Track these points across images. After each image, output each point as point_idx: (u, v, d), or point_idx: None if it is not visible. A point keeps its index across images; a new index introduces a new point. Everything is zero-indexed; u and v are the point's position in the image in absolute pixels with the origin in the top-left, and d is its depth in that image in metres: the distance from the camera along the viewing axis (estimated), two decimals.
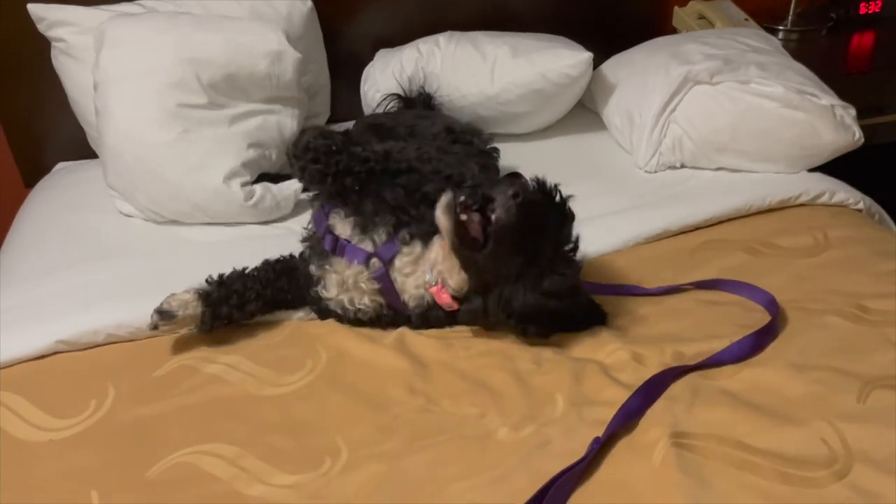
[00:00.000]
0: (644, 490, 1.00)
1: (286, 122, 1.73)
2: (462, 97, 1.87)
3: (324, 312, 1.35)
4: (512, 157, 1.88)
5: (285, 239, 1.57)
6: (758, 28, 2.15)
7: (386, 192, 1.31)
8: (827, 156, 1.71)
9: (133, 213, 1.68)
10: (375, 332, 1.32)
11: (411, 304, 1.29)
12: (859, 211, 1.65)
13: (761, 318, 1.31)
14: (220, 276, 1.32)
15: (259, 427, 1.14)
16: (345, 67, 2.02)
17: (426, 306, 1.29)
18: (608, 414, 1.10)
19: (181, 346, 1.31)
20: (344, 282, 1.30)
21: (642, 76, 1.83)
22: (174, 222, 1.67)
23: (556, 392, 1.17)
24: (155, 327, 1.25)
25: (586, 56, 1.81)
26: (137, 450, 1.11)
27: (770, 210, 1.62)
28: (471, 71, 1.86)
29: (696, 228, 1.58)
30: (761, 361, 1.21)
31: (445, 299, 1.25)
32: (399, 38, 2.03)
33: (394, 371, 1.24)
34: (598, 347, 1.26)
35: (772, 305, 1.32)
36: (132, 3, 1.82)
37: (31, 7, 1.75)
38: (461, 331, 1.32)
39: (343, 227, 1.32)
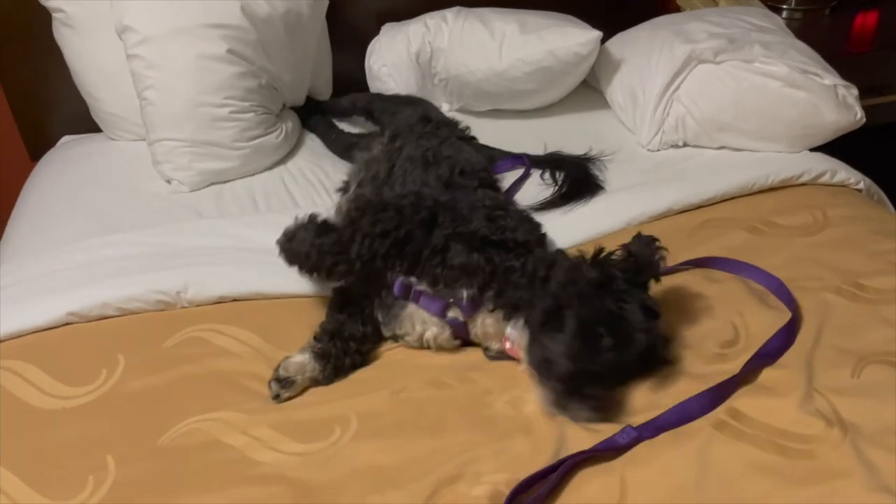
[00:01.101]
0: (641, 457, 1.03)
1: None
2: (469, 73, 1.88)
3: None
4: (515, 134, 1.89)
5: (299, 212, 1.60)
6: (762, 7, 2.14)
7: (449, 255, 1.20)
8: (829, 135, 1.72)
9: (177, 175, 1.71)
10: None
11: (484, 344, 1.25)
12: (859, 191, 1.67)
13: (762, 294, 1.33)
14: (324, 327, 1.25)
15: (268, 398, 1.17)
16: (348, 41, 2.02)
17: (502, 358, 1.23)
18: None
19: (190, 318, 1.33)
20: (422, 341, 1.25)
21: (646, 55, 1.83)
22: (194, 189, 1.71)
23: None
24: (276, 396, 1.17)
25: (595, 35, 1.82)
26: (149, 417, 1.14)
27: (771, 189, 1.63)
28: (479, 47, 1.86)
29: (699, 207, 1.59)
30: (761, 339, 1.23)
31: (517, 356, 1.19)
32: (405, 11, 2.02)
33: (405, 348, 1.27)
34: None
35: (781, 290, 1.32)
36: None
37: None
38: None
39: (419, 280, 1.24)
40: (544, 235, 1.36)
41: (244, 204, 1.68)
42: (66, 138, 2.00)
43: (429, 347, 1.25)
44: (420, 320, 1.24)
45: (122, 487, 1.04)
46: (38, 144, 1.99)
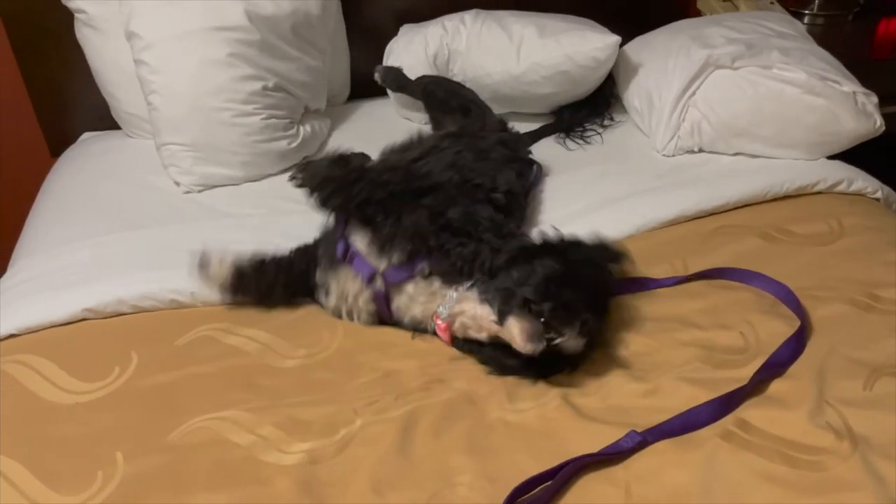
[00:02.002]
0: (647, 468, 1.03)
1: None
2: (486, 75, 1.88)
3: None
4: None
5: (312, 214, 1.61)
6: (783, 12, 2.13)
7: (405, 216, 1.27)
8: (847, 143, 1.71)
9: (182, 178, 1.72)
10: None
11: (405, 321, 1.30)
12: (877, 200, 1.65)
13: (771, 302, 1.32)
14: (261, 258, 1.35)
15: (276, 397, 1.18)
16: (366, 43, 2.02)
17: (419, 329, 1.29)
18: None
19: (202, 318, 1.34)
20: (344, 294, 1.31)
21: (663, 59, 1.82)
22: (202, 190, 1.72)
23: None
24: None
25: (614, 39, 1.81)
26: (159, 414, 1.16)
27: (787, 196, 1.62)
28: (497, 50, 1.86)
29: (712, 213, 1.58)
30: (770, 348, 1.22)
31: (446, 337, 1.24)
32: (422, 12, 2.02)
33: (411, 352, 1.27)
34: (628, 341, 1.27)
35: (791, 298, 1.31)
36: None
37: None
38: None
39: (360, 238, 1.31)
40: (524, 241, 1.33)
41: (258, 203, 1.69)
42: (86, 135, 2.03)
43: (343, 314, 1.32)
44: (349, 278, 1.30)
45: (130, 483, 1.05)
46: (58, 141, 2.01)
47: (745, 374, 1.16)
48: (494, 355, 1.19)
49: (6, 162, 2.11)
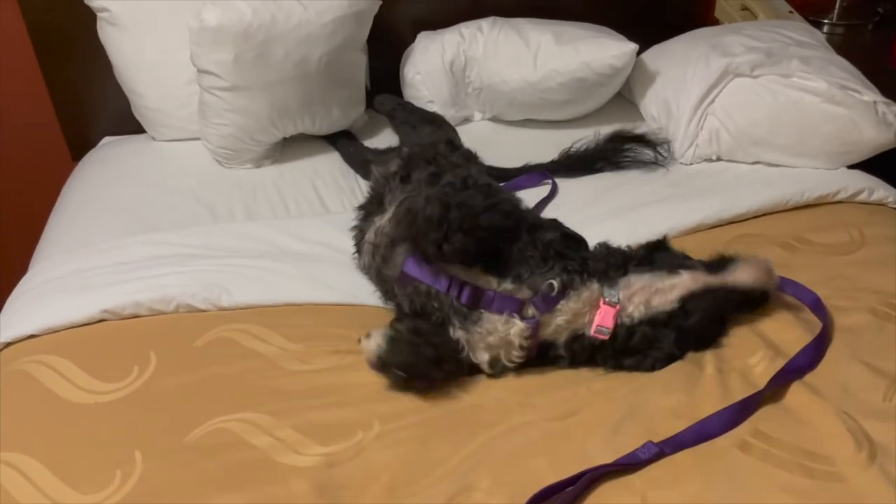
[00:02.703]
0: (663, 477, 1.02)
1: None
2: (503, 82, 1.88)
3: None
4: (548, 145, 1.89)
5: (331, 216, 1.63)
6: (802, 21, 2.12)
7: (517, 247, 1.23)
8: (867, 152, 1.70)
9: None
10: None
11: (560, 341, 1.22)
12: None
13: (790, 308, 1.31)
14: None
15: (294, 399, 1.18)
16: (384, 49, 2.02)
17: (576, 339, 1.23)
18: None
19: (221, 319, 1.35)
20: (494, 344, 1.20)
21: (682, 67, 1.82)
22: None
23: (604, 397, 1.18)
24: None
25: (631, 47, 1.81)
26: (177, 415, 1.16)
27: (807, 206, 1.61)
28: (513, 57, 1.87)
29: (731, 222, 1.58)
30: (787, 354, 1.21)
31: (610, 323, 1.20)
32: (440, 20, 2.03)
33: None
34: None
35: (817, 306, 1.30)
36: None
37: None
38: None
39: (475, 276, 1.22)
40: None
41: (276, 206, 1.71)
42: (106, 139, 2.05)
43: (503, 360, 1.21)
44: (501, 321, 1.19)
45: (148, 482, 1.05)
46: (79, 144, 2.04)
47: (761, 380, 1.16)
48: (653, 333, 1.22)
49: (29, 165, 2.14)
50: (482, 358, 1.21)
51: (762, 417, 1.10)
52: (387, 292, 1.36)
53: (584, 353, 1.22)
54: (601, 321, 1.21)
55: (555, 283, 1.20)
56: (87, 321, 1.34)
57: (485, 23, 1.95)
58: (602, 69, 1.83)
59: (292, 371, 1.24)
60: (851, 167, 1.71)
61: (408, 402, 1.17)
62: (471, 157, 1.64)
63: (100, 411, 1.17)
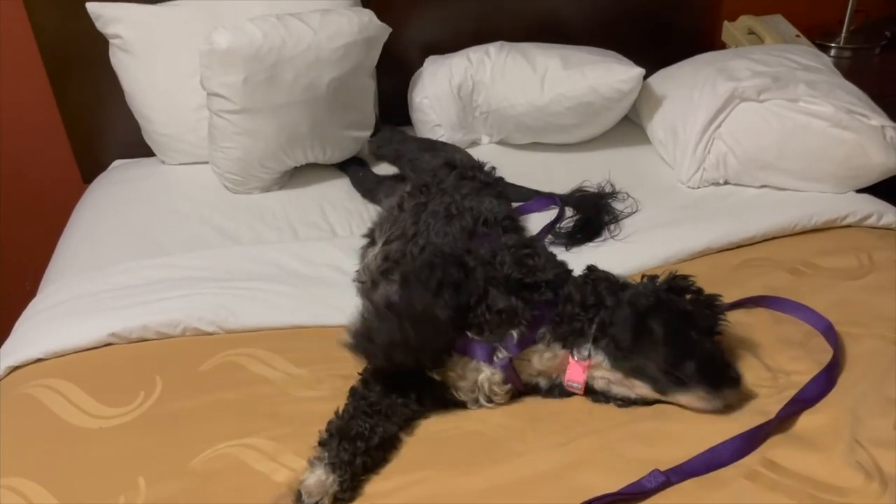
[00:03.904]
0: None
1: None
2: (510, 106, 1.89)
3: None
4: (555, 168, 1.90)
5: (335, 239, 1.64)
6: (809, 45, 2.12)
7: (489, 300, 1.19)
8: (875, 177, 1.69)
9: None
10: None
11: (541, 383, 1.23)
12: None
13: (793, 330, 1.30)
14: (329, 430, 1.12)
15: (298, 426, 1.17)
16: (392, 73, 2.05)
17: (554, 387, 1.23)
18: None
19: (227, 343, 1.35)
20: (474, 384, 1.20)
21: (688, 91, 1.83)
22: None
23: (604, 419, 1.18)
24: None
25: (638, 72, 1.82)
26: (182, 440, 1.16)
27: (815, 230, 1.60)
28: (521, 81, 1.88)
29: (739, 246, 1.57)
30: (797, 383, 1.20)
31: (581, 379, 1.19)
32: (448, 45, 2.05)
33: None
34: None
35: (829, 332, 1.29)
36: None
37: (89, 5, 1.82)
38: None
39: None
40: (571, 272, 1.33)
41: (283, 230, 1.71)
42: (117, 162, 2.07)
43: (481, 401, 1.21)
44: (471, 368, 1.20)
45: None
46: (90, 167, 2.06)
47: (771, 408, 1.14)
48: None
49: (40, 188, 2.16)
50: (463, 396, 1.21)
51: (771, 445, 1.09)
52: None
53: (568, 395, 1.22)
54: (571, 377, 1.20)
55: (514, 333, 1.19)
56: (95, 345, 1.35)
57: (492, 47, 1.97)
58: (609, 93, 1.84)
59: (297, 397, 1.24)
60: (860, 191, 1.70)
61: (406, 427, 1.16)
62: (466, 175, 1.63)
63: (104, 436, 1.17)
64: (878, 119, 1.66)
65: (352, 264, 1.54)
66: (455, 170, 1.64)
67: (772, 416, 1.12)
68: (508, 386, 1.21)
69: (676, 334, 1.16)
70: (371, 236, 1.54)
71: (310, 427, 1.16)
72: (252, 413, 1.20)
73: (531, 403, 1.21)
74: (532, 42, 2.01)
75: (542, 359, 1.21)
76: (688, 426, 1.13)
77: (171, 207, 1.78)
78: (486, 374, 1.19)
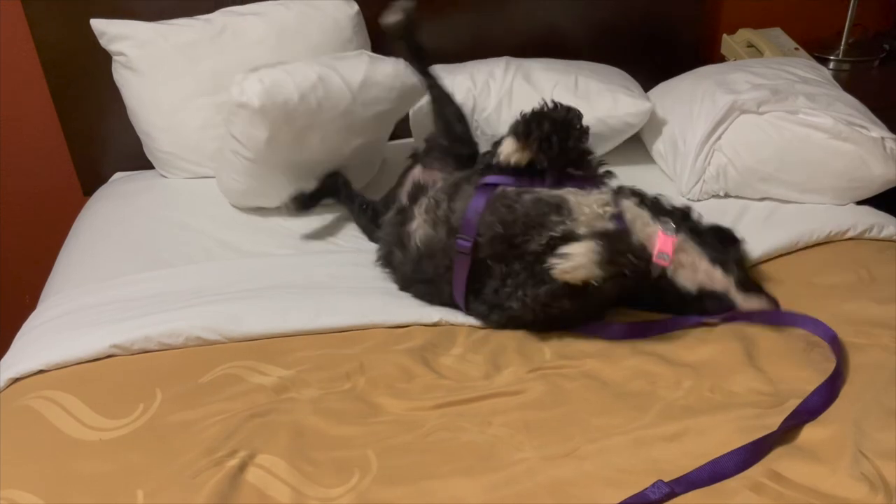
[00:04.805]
0: None
1: None
2: None
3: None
4: None
5: (345, 254, 1.64)
6: (808, 58, 2.13)
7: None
8: (876, 188, 1.69)
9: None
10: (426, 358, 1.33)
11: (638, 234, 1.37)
12: None
13: (795, 340, 1.30)
14: None
15: (296, 438, 1.17)
16: None
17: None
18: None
19: (228, 355, 1.35)
20: (589, 209, 1.35)
21: (688, 104, 1.83)
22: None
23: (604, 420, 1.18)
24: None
25: (647, 107, 1.84)
26: (181, 452, 1.15)
27: (817, 244, 1.60)
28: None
29: None
30: (801, 392, 1.20)
31: (670, 248, 1.36)
32: (449, 53, 2.04)
33: (430, 387, 1.26)
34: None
35: (834, 343, 1.28)
36: (190, 17, 1.89)
37: (93, 22, 1.83)
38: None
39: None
40: None
41: (285, 242, 1.71)
42: (118, 175, 2.07)
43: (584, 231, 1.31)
44: (580, 201, 1.35)
45: None
46: (91, 180, 2.07)
47: (774, 420, 1.14)
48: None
49: (40, 200, 2.17)
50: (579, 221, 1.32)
51: (776, 457, 1.08)
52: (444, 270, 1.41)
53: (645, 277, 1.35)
54: (662, 247, 1.35)
55: (606, 180, 1.44)
56: (96, 356, 1.34)
57: (497, 68, 1.93)
58: (617, 125, 1.85)
59: (297, 409, 1.23)
60: (860, 203, 1.70)
61: (404, 436, 1.16)
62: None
63: (104, 448, 1.16)
64: (877, 131, 1.66)
65: (354, 275, 1.54)
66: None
67: (775, 427, 1.12)
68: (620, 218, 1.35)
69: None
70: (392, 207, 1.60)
71: (309, 439, 1.16)
72: (251, 426, 1.19)
73: (530, 412, 1.20)
74: (535, 58, 2.00)
75: (633, 211, 1.39)
76: (691, 437, 1.12)
77: (172, 220, 1.78)
78: (600, 200, 1.36)
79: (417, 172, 1.63)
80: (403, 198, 1.57)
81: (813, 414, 1.15)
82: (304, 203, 1.70)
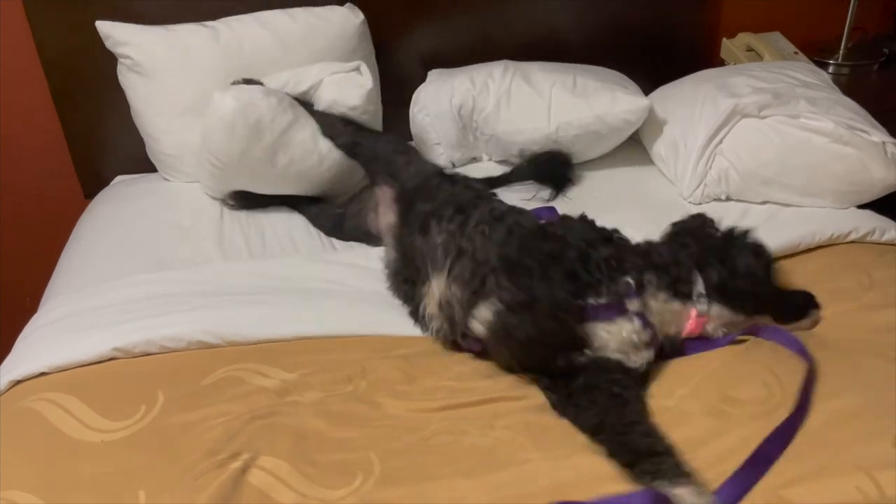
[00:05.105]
0: None
1: None
2: (517, 132, 1.89)
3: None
4: None
5: (342, 252, 1.64)
6: (808, 62, 2.14)
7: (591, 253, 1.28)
8: (877, 192, 1.70)
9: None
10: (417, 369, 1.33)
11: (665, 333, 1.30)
12: None
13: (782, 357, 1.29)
14: None
15: (299, 440, 1.17)
16: (393, 87, 2.04)
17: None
18: None
19: (229, 357, 1.35)
20: (624, 342, 1.24)
21: (689, 108, 1.84)
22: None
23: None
24: None
25: (645, 104, 1.84)
26: (183, 454, 1.15)
27: (819, 247, 1.60)
28: (527, 109, 1.88)
29: None
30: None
31: (698, 329, 1.31)
32: (450, 58, 2.06)
33: (432, 390, 1.26)
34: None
35: (803, 354, 1.27)
36: (196, 23, 1.89)
37: (99, 25, 1.83)
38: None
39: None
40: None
41: (285, 245, 1.72)
42: (119, 178, 2.07)
43: (633, 358, 1.24)
44: (609, 331, 1.24)
45: None
46: (92, 183, 2.06)
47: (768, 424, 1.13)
48: None
49: (41, 203, 2.17)
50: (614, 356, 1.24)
51: (770, 474, 1.06)
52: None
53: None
54: (692, 330, 1.31)
55: (630, 280, 1.26)
56: (98, 359, 1.34)
57: (496, 69, 1.95)
58: (616, 123, 1.86)
59: (298, 411, 1.23)
60: (861, 207, 1.71)
61: (407, 438, 1.16)
62: (458, 182, 1.60)
63: (106, 450, 1.16)
64: (878, 135, 1.67)
65: (354, 277, 1.54)
66: (447, 178, 1.60)
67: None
68: (649, 334, 1.25)
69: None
70: (403, 276, 1.48)
71: (312, 441, 1.16)
72: (253, 428, 1.19)
73: (532, 415, 1.21)
74: (534, 61, 2.01)
75: (658, 302, 1.28)
76: (691, 446, 1.12)
77: (173, 223, 1.78)
78: (629, 328, 1.24)
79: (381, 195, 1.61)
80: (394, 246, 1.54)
81: (794, 428, 1.13)
82: (244, 202, 1.81)
